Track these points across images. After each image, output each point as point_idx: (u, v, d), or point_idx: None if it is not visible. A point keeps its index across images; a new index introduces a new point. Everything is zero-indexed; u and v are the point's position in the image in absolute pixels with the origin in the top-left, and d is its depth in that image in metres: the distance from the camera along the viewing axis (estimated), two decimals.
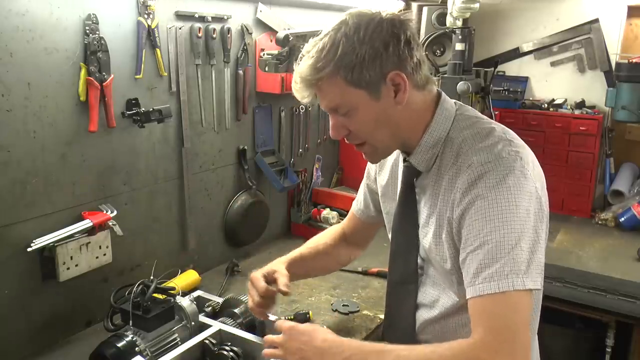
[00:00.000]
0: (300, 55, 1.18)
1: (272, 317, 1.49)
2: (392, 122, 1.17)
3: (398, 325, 1.38)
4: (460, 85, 2.42)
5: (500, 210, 1.04)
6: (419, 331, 1.33)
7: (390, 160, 1.39)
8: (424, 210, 1.25)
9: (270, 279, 1.43)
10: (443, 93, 1.25)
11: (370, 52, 1.09)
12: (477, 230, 1.06)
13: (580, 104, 3.03)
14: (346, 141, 1.24)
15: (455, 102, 1.25)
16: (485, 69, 2.73)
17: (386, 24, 1.12)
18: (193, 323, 1.50)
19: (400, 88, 1.14)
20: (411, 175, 1.27)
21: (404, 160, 1.29)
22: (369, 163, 1.50)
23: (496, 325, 1.00)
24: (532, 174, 1.09)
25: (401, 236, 1.34)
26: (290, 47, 2.19)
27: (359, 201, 1.59)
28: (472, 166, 1.10)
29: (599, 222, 2.87)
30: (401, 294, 1.35)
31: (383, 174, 1.43)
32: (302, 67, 1.15)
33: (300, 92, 1.18)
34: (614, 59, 2.93)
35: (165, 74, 1.83)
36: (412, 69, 1.14)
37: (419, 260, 1.31)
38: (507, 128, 1.20)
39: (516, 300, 1.01)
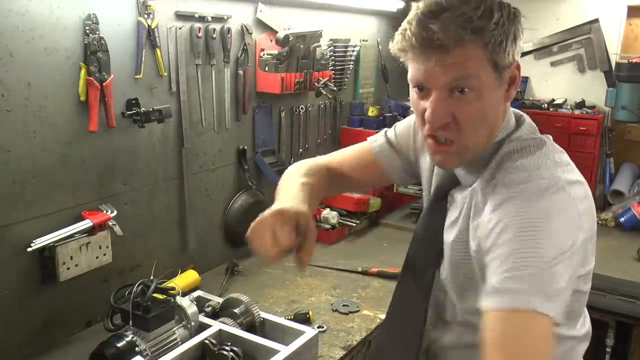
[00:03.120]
0: (434, 2, 0.95)
1: None
2: (493, 119, 1.02)
3: (398, 343, 1.21)
4: None
5: (535, 231, 0.88)
6: (423, 353, 1.20)
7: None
8: (453, 226, 1.10)
9: (300, 230, 1.07)
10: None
11: (515, 32, 0.97)
12: (508, 252, 0.90)
13: (580, 104, 3.03)
14: (430, 136, 1.01)
15: (514, 111, 1.10)
16: None
17: (518, 11, 1.01)
18: (193, 323, 1.50)
19: (515, 82, 1.01)
20: (450, 184, 1.14)
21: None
22: (404, 124, 1.32)
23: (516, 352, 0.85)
24: (576, 196, 0.94)
25: (421, 247, 1.20)
26: (290, 47, 2.20)
27: (382, 141, 1.35)
28: (509, 185, 0.96)
29: (599, 222, 2.87)
30: (410, 310, 1.19)
31: (424, 160, 1.26)
32: (449, 16, 0.92)
33: (419, 44, 0.93)
34: (614, 59, 2.92)
35: (165, 74, 1.83)
36: None
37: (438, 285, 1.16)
38: (553, 143, 1.05)
39: (537, 325, 0.85)
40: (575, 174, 1.00)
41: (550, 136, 1.08)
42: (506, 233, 0.90)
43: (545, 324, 0.85)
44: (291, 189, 1.22)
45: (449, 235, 1.11)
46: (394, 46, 0.99)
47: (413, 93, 1.02)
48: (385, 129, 1.37)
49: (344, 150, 1.41)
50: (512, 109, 1.09)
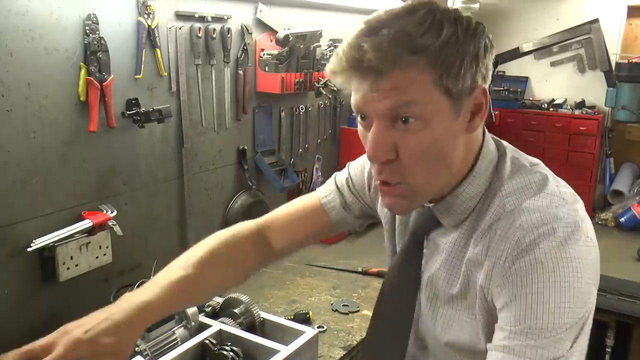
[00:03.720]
0: (374, 17, 0.84)
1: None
2: (451, 155, 0.87)
3: None
4: None
5: (560, 289, 0.79)
6: None
7: None
8: (438, 276, 0.97)
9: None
10: (484, 127, 0.94)
11: (476, 52, 0.82)
12: (525, 310, 0.80)
13: (580, 104, 3.04)
14: (377, 176, 0.89)
15: (492, 137, 0.97)
16: None
17: (482, 26, 0.85)
18: (193, 323, 1.50)
19: (481, 110, 0.86)
20: (427, 227, 0.99)
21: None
22: (359, 168, 1.18)
23: None
24: (592, 236, 0.86)
25: (395, 299, 1.05)
26: (290, 47, 2.20)
27: (331, 190, 1.20)
28: (522, 229, 0.83)
29: (599, 222, 2.87)
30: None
31: (381, 206, 1.13)
32: (386, 33, 0.79)
33: (346, 68, 0.81)
34: (614, 59, 2.93)
35: (165, 74, 1.83)
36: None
37: (412, 339, 1.03)
38: (551, 173, 0.93)
39: None
40: (573, 193, 0.91)
41: (540, 162, 0.97)
42: (527, 299, 0.80)
43: None
44: (143, 293, 0.97)
45: (429, 285, 0.99)
46: (327, 68, 0.86)
47: (358, 125, 0.89)
48: (335, 174, 1.24)
49: (286, 206, 1.24)
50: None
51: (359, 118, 0.88)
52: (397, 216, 1.09)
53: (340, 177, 1.21)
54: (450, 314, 0.96)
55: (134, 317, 0.90)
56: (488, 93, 0.87)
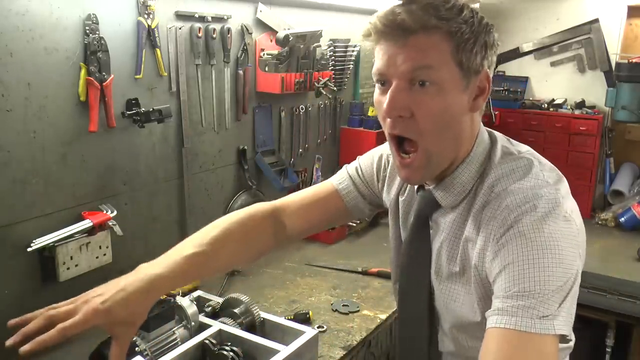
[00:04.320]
0: None
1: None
2: (458, 126, 0.98)
3: None
4: None
5: (543, 256, 0.87)
6: None
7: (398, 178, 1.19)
8: (441, 253, 1.07)
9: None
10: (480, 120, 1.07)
11: (485, 40, 0.95)
12: (513, 277, 0.88)
13: (580, 104, 3.04)
14: (391, 129, 0.98)
15: (486, 129, 1.08)
16: None
17: (491, 24, 0.98)
18: (193, 323, 1.50)
19: (484, 93, 0.98)
20: (429, 209, 1.09)
21: (419, 189, 1.11)
22: (368, 160, 1.29)
23: None
24: (572, 214, 0.94)
25: (410, 278, 1.15)
26: (290, 47, 2.20)
27: (344, 177, 1.30)
28: (508, 208, 0.93)
29: (599, 222, 2.87)
30: (416, 339, 1.18)
31: (387, 195, 1.25)
32: (417, 4, 0.93)
33: (378, 24, 0.93)
34: (614, 59, 2.93)
35: (165, 74, 1.83)
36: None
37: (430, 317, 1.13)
38: (536, 154, 1.05)
39: (543, 347, 0.84)
40: (557, 176, 1.00)
41: (529, 149, 1.06)
42: (514, 267, 0.89)
43: (554, 343, 0.85)
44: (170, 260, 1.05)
45: (435, 261, 1.09)
46: (361, 33, 0.99)
47: (376, 91, 1.00)
48: (346, 165, 1.34)
49: (300, 192, 1.33)
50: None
51: (378, 85, 0.99)
52: (400, 204, 1.18)
53: (351, 166, 1.32)
54: (451, 288, 1.05)
55: (147, 290, 0.98)
56: (491, 81, 0.98)
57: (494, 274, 0.92)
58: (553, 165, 1.04)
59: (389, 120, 0.97)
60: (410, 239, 1.15)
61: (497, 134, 1.08)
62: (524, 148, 1.06)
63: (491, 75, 0.99)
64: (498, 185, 0.98)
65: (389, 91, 0.94)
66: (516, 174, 0.98)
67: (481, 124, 1.05)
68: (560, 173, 1.03)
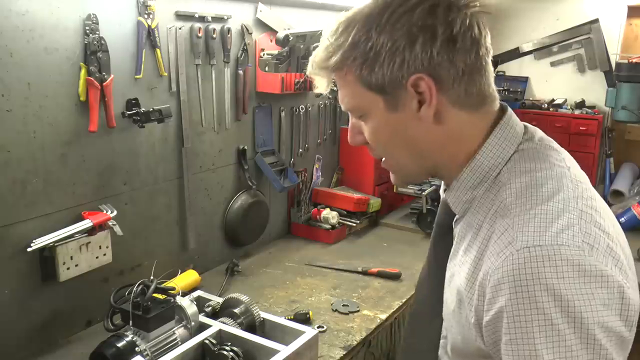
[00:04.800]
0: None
1: None
2: (412, 141, 0.89)
3: None
4: None
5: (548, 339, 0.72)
6: None
7: None
8: (461, 266, 0.91)
9: None
10: (509, 114, 0.92)
11: (388, 46, 0.82)
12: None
13: (580, 104, 3.04)
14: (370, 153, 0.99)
15: (526, 127, 0.93)
16: None
17: (421, 10, 0.81)
18: (193, 323, 1.50)
19: (425, 99, 0.84)
20: (447, 216, 0.99)
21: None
22: None
23: None
24: (613, 270, 0.74)
25: (425, 292, 1.07)
26: (290, 47, 2.20)
27: None
28: (512, 246, 0.76)
29: None
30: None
31: None
32: (318, 49, 0.91)
33: (315, 78, 0.96)
34: (614, 59, 2.93)
35: (165, 74, 1.83)
36: (453, 79, 0.84)
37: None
38: (582, 176, 0.88)
39: None
40: (587, 194, 0.83)
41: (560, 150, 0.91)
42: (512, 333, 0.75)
43: None
44: None
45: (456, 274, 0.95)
46: None
47: None
48: None
49: None
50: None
51: None
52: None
53: None
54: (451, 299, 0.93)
55: None
56: (434, 81, 0.83)
57: (495, 338, 0.80)
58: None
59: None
60: (430, 248, 1.07)
61: (537, 131, 0.94)
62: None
63: (442, 69, 0.83)
64: (509, 203, 0.83)
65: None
66: (538, 194, 0.81)
67: (505, 116, 0.92)
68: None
